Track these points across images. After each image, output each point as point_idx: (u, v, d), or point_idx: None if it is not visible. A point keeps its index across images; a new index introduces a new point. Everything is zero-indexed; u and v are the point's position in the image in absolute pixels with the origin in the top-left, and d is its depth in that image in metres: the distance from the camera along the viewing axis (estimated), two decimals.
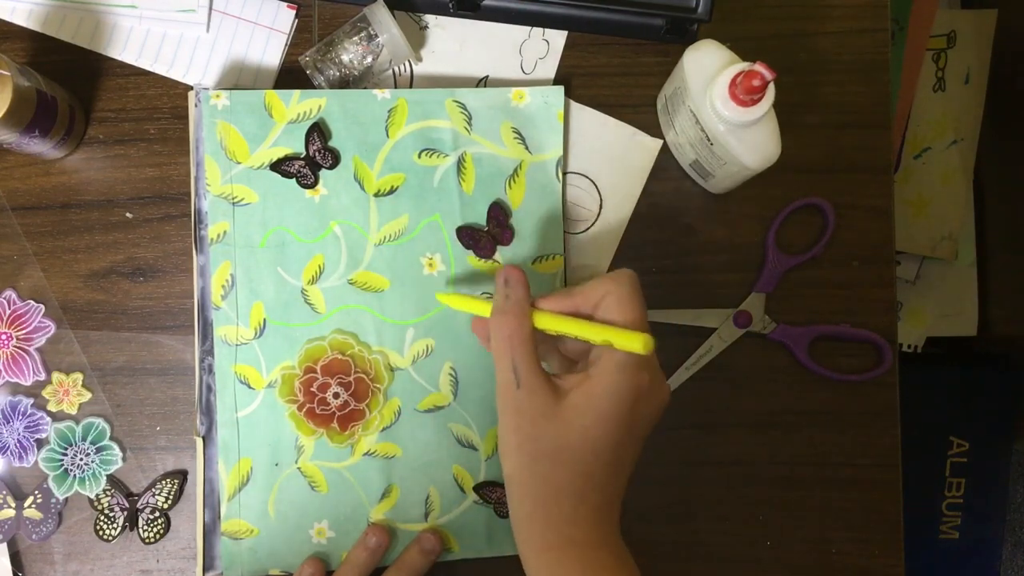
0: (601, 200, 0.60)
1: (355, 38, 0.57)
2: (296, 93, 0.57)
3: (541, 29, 0.61)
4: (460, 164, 0.58)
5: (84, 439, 0.58)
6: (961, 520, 1.08)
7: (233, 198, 0.57)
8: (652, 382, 0.45)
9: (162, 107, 0.60)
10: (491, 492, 0.57)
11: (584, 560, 0.44)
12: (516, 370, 0.45)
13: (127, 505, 0.58)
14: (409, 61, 0.61)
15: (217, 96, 0.57)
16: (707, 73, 0.53)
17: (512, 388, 0.45)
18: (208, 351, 0.57)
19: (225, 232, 0.57)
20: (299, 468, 0.57)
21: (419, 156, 0.58)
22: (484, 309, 0.48)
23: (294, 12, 0.61)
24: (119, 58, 0.61)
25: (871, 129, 0.61)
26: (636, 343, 0.43)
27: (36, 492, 0.58)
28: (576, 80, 0.61)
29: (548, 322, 0.46)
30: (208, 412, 0.57)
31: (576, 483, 0.44)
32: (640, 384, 0.44)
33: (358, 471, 0.57)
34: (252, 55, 0.61)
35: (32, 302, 0.59)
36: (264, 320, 0.57)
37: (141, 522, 0.58)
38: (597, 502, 0.45)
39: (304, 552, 0.57)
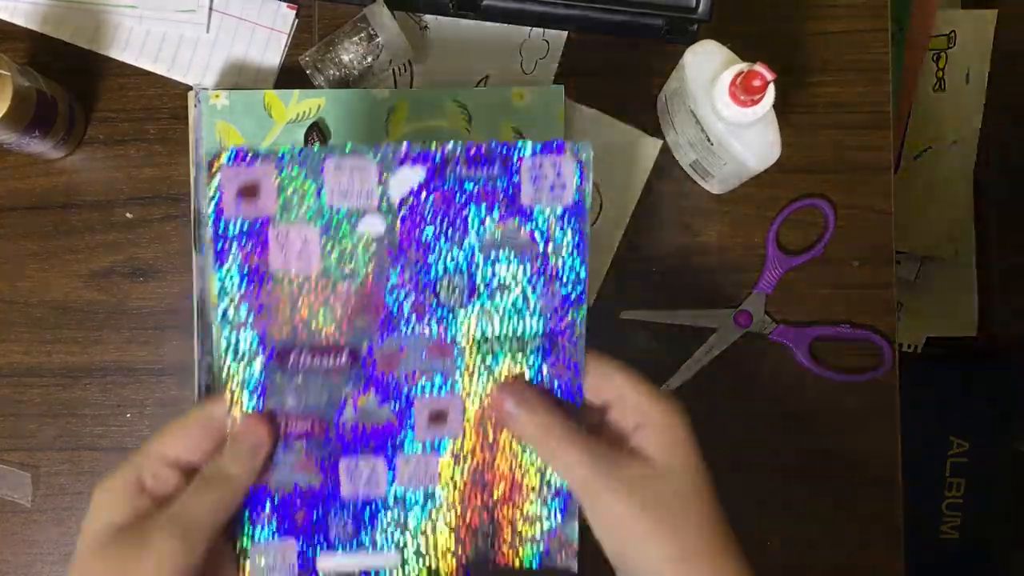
0: (601, 200, 0.60)
1: (355, 38, 0.57)
2: (295, 93, 0.57)
3: (541, 29, 0.61)
4: None
5: None
6: (961, 520, 1.08)
7: None
8: None
9: (162, 107, 0.60)
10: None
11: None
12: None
13: None
14: (409, 61, 0.61)
15: (216, 96, 0.57)
16: (707, 73, 0.53)
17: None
18: (208, 351, 0.57)
19: None
20: None
21: None
22: None
23: (294, 12, 0.61)
24: (119, 58, 0.61)
25: (871, 129, 0.61)
26: None
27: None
28: (576, 80, 0.61)
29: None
30: None
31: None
32: None
33: None
34: (252, 55, 0.61)
35: None
36: None
37: None
38: None
39: None
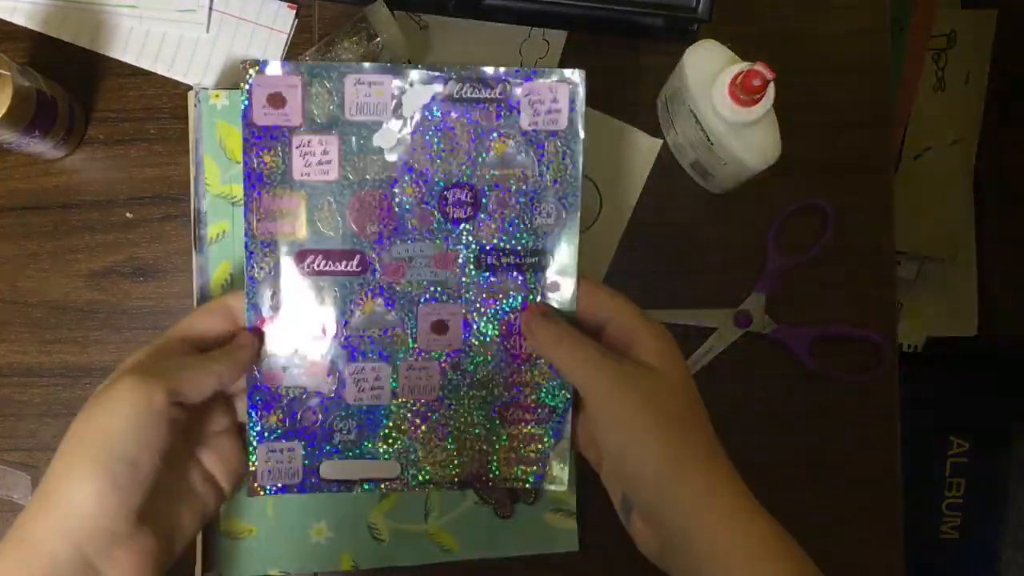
0: (601, 200, 0.60)
1: (355, 38, 0.57)
2: None
3: (541, 29, 0.61)
4: None
5: None
6: (961, 520, 1.08)
7: (232, 198, 0.57)
8: None
9: (162, 107, 0.60)
10: (491, 492, 0.57)
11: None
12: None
13: None
14: (409, 61, 0.61)
15: (216, 96, 0.57)
16: (707, 73, 0.53)
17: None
18: None
19: (225, 232, 0.57)
20: None
21: None
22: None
23: (294, 12, 0.61)
24: (119, 58, 0.61)
25: (871, 129, 0.61)
26: None
27: None
28: None
29: None
30: None
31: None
32: None
33: None
34: (252, 55, 0.61)
35: None
36: None
37: None
38: None
39: (303, 552, 0.56)
